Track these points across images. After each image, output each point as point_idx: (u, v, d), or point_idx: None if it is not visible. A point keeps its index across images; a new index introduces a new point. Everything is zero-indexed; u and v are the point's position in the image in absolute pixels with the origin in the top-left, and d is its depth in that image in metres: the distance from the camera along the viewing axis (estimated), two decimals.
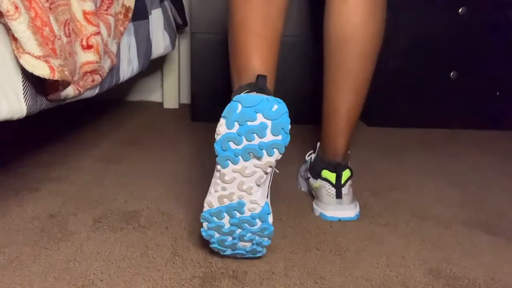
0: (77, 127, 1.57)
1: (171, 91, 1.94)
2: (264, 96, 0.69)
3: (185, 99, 2.03)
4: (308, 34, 1.63)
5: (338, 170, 0.98)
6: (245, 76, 0.85)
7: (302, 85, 1.68)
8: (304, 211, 1.00)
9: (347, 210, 0.97)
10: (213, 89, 1.69)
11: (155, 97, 2.06)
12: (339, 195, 0.97)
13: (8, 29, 0.73)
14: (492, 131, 1.69)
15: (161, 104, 2.00)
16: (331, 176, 0.98)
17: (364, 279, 0.76)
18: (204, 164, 1.27)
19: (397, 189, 1.14)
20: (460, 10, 1.62)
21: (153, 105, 1.97)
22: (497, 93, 1.69)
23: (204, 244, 0.85)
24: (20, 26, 0.71)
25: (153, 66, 1.99)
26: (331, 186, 0.98)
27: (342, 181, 0.98)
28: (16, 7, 0.70)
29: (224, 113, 0.70)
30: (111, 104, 1.94)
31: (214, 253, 0.82)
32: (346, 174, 0.98)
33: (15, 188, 1.06)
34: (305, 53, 1.64)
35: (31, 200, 1.00)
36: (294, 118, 1.69)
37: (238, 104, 0.69)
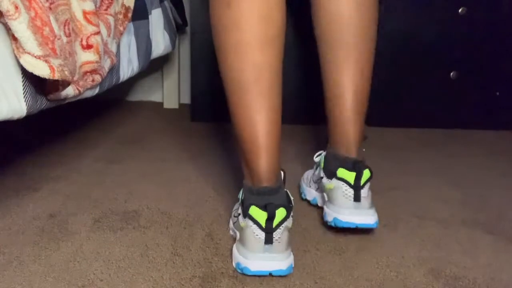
0: (77, 127, 1.57)
1: (171, 91, 1.94)
2: (272, 270, 0.75)
3: (185, 99, 2.03)
4: (306, 33, 1.62)
5: (358, 168, 0.85)
6: (255, 167, 0.79)
7: (300, 85, 1.68)
8: (304, 211, 1.00)
9: (365, 216, 0.84)
10: (213, 89, 1.69)
11: (155, 97, 2.05)
12: (357, 198, 0.85)
13: (8, 29, 0.73)
14: (492, 131, 1.69)
15: (161, 104, 2.00)
16: (350, 176, 0.85)
17: (364, 279, 0.76)
18: (204, 164, 1.27)
19: (397, 189, 1.14)
20: (460, 10, 1.62)
21: (153, 105, 1.97)
22: (497, 93, 1.69)
23: (204, 244, 0.85)
24: (20, 26, 0.71)
25: (153, 66, 1.98)
26: (348, 187, 0.86)
27: (362, 182, 0.85)
28: (16, 7, 0.70)
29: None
30: (111, 104, 1.94)
31: (214, 253, 0.82)
32: (366, 173, 0.86)
33: (15, 188, 1.06)
34: (302, 52, 1.64)
35: (31, 200, 1.00)
36: (293, 119, 1.70)
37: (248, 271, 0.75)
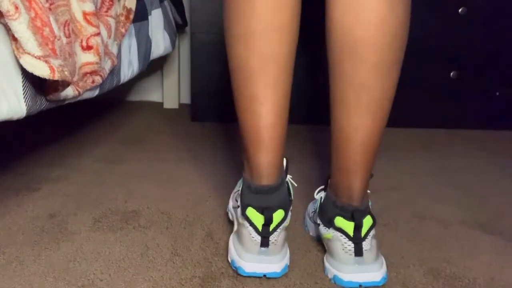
0: (77, 127, 1.57)
1: (171, 91, 1.94)
2: (266, 272, 0.75)
3: (185, 99, 2.03)
4: (308, 30, 1.62)
5: (357, 218, 0.74)
6: (255, 160, 0.76)
7: (302, 84, 1.68)
8: (304, 211, 1.00)
9: (370, 272, 0.73)
10: (213, 89, 1.69)
11: (155, 97, 2.06)
12: (358, 252, 0.74)
13: (8, 29, 0.73)
14: (492, 131, 1.69)
15: (161, 104, 2.00)
16: (348, 226, 0.75)
17: None
18: (204, 164, 1.27)
19: (397, 189, 1.14)
20: (460, 10, 1.62)
21: (153, 105, 1.97)
22: (497, 93, 1.69)
23: (204, 244, 0.85)
24: (20, 26, 0.71)
25: (153, 66, 1.99)
26: (347, 239, 0.75)
27: (363, 233, 0.74)
28: (16, 7, 0.70)
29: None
30: (111, 104, 1.94)
31: (214, 253, 0.82)
32: (367, 222, 0.75)
33: (15, 188, 1.06)
34: (304, 51, 1.64)
35: (31, 200, 1.00)
36: (293, 118, 1.70)
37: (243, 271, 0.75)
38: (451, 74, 1.67)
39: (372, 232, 0.75)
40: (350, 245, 0.74)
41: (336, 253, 0.76)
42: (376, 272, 0.74)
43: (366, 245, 0.74)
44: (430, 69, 1.67)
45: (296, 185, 0.83)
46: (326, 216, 0.79)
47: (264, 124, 0.74)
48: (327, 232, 0.78)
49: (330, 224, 0.77)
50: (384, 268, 0.75)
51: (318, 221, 0.81)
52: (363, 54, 0.68)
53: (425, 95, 1.69)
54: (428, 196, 1.10)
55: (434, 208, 1.04)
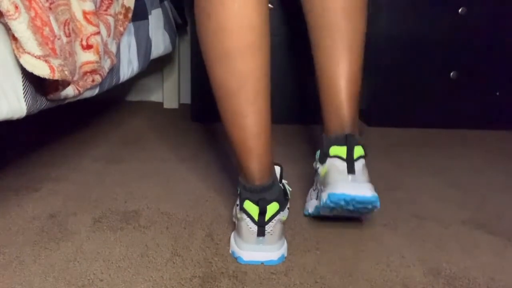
0: (77, 127, 1.57)
1: (171, 91, 1.94)
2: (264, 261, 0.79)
3: (185, 99, 2.03)
4: (301, 33, 1.62)
5: (349, 142, 0.81)
6: (247, 163, 0.81)
7: (297, 85, 1.68)
8: (302, 211, 1.00)
9: (363, 189, 0.78)
10: None
11: (155, 97, 2.06)
12: (351, 170, 0.79)
13: (8, 29, 0.73)
14: (492, 131, 1.69)
15: (161, 104, 2.00)
16: (341, 151, 0.81)
17: (364, 279, 0.76)
18: (204, 164, 1.27)
19: (397, 189, 1.14)
20: (460, 10, 1.62)
21: (153, 105, 1.97)
22: (497, 93, 1.69)
23: (204, 244, 0.85)
24: (20, 26, 0.71)
25: (153, 66, 1.98)
26: (342, 161, 0.81)
27: (355, 156, 0.81)
28: (16, 7, 0.70)
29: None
30: (111, 104, 1.94)
31: (214, 253, 0.82)
32: (358, 150, 0.81)
33: (15, 188, 1.06)
34: (298, 52, 1.64)
35: (31, 200, 1.00)
36: (290, 119, 1.70)
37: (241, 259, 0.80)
38: (451, 74, 1.67)
39: (363, 161, 0.81)
40: (343, 165, 0.80)
41: (331, 176, 0.80)
42: (368, 189, 0.79)
43: (358, 165, 0.80)
44: (430, 69, 1.67)
45: (291, 189, 0.88)
46: (322, 155, 0.85)
47: (249, 135, 0.79)
48: (323, 168, 0.83)
49: (326, 156, 0.83)
50: (376, 191, 0.80)
51: (317, 166, 0.87)
52: (331, 2, 0.83)
53: (425, 95, 1.69)
54: (428, 196, 1.10)
55: (434, 208, 1.04)
